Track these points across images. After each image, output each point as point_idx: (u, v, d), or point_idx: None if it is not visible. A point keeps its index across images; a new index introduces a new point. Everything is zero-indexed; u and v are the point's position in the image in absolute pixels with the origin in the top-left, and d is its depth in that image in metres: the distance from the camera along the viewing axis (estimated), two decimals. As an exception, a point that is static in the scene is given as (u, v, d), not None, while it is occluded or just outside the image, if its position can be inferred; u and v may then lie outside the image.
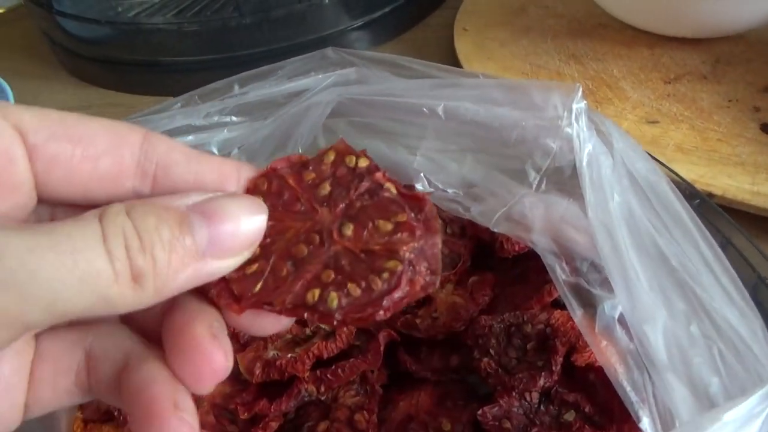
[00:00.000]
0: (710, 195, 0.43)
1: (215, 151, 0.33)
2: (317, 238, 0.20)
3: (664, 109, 0.51)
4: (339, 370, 0.28)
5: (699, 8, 0.53)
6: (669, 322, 0.23)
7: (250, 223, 0.19)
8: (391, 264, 0.19)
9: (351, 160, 0.21)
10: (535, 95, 0.30)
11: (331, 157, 0.22)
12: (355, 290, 0.19)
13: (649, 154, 0.40)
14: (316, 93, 0.33)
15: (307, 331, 0.31)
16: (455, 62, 0.60)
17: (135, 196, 0.21)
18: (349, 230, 0.20)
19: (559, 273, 0.28)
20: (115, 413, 0.27)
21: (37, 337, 0.20)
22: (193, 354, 0.19)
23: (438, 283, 0.19)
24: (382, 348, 0.29)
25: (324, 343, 0.29)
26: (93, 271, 0.16)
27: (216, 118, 0.33)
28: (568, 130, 0.29)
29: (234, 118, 0.33)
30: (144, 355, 0.20)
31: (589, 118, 0.29)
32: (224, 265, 0.19)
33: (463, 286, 0.33)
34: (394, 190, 0.20)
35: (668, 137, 0.48)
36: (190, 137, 0.33)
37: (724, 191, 0.43)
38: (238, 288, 0.20)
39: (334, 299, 0.19)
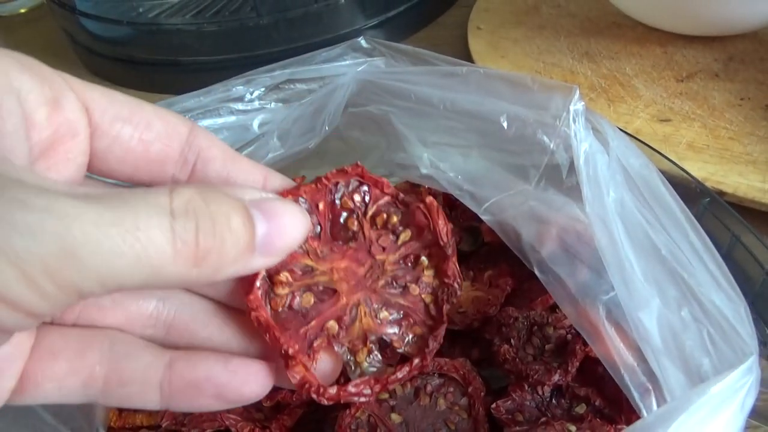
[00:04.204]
0: (721, 193, 0.44)
1: (256, 130, 0.35)
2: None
3: (676, 108, 0.51)
4: (360, 362, 0.30)
5: (712, 7, 0.53)
6: (662, 308, 0.24)
7: (298, 228, 0.21)
8: None
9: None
10: (536, 93, 0.32)
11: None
12: None
13: (659, 152, 0.41)
14: (343, 77, 0.35)
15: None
16: (469, 61, 0.60)
17: (173, 182, 0.22)
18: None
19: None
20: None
21: (52, 327, 0.21)
22: None
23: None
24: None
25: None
26: (152, 248, 0.16)
27: (257, 103, 0.36)
28: (566, 129, 0.30)
29: (273, 103, 0.36)
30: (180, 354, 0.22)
31: (586, 118, 0.30)
32: (265, 263, 0.20)
33: (481, 281, 0.34)
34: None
35: (680, 135, 0.49)
36: (233, 118, 0.35)
37: (735, 189, 0.44)
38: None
39: None
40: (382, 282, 0.25)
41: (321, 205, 0.25)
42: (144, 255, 0.16)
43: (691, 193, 0.39)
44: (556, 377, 0.28)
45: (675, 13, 0.56)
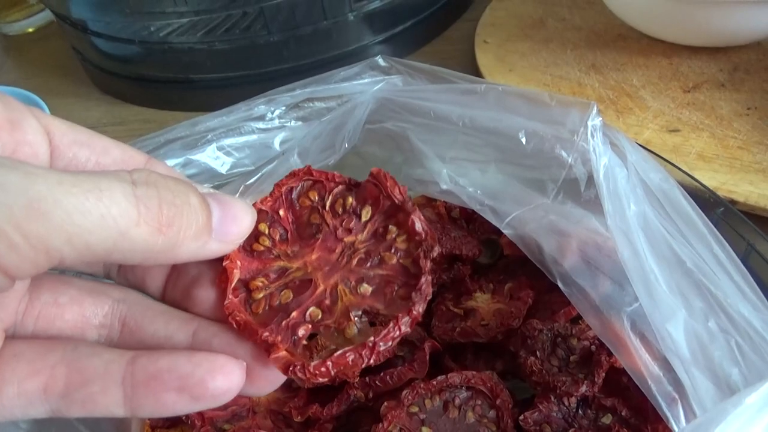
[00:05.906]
0: (732, 202, 0.45)
1: (277, 148, 0.36)
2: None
3: (685, 118, 0.52)
4: (387, 377, 0.30)
5: (715, 18, 0.54)
6: (689, 320, 0.25)
7: (249, 216, 0.22)
8: None
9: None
10: (554, 110, 0.32)
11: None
12: None
13: (671, 162, 0.41)
14: (361, 95, 0.36)
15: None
16: (477, 74, 0.61)
17: None
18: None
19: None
20: (183, 417, 0.29)
21: (15, 339, 0.22)
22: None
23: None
24: (427, 357, 0.31)
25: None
26: (116, 209, 0.17)
27: (277, 121, 0.37)
28: (584, 144, 0.30)
29: (294, 121, 0.37)
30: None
31: (604, 133, 0.31)
32: (221, 249, 0.21)
33: (501, 293, 0.35)
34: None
35: (689, 145, 0.49)
36: (255, 137, 0.36)
37: (746, 198, 0.44)
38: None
39: None
40: (356, 260, 0.25)
41: (282, 212, 0.26)
42: (108, 215, 0.17)
43: (705, 202, 0.39)
44: (583, 388, 0.28)
45: (679, 25, 0.57)
